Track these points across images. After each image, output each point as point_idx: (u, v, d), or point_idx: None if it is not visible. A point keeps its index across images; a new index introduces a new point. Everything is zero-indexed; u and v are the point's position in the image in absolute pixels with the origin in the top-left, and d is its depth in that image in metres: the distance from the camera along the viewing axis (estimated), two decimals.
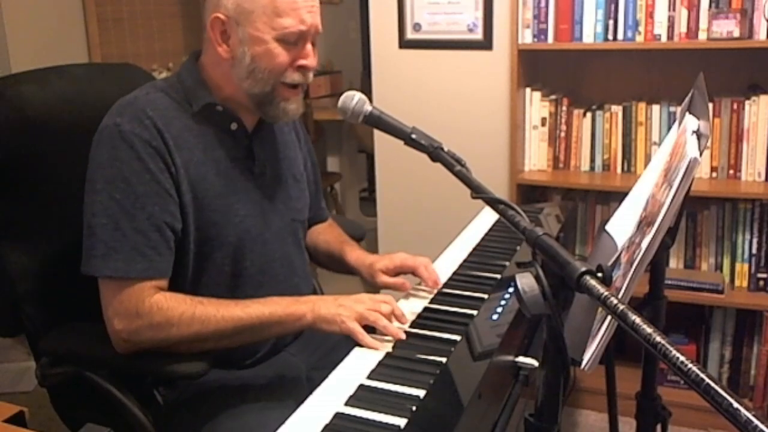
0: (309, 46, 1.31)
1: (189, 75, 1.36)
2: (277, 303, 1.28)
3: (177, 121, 1.30)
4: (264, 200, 1.41)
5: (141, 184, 1.23)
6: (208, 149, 1.32)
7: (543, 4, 2.36)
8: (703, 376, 0.59)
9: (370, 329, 1.27)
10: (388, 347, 1.23)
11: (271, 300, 1.29)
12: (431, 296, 1.46)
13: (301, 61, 1.30)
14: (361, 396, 1.07)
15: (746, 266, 2.34)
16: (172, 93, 1.33)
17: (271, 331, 1.29)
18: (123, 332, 1.23)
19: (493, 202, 0.99)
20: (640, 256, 1.00)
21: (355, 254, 1.60)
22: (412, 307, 1.39)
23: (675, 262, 2.43)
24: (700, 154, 1.07)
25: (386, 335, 1.26)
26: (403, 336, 1.26)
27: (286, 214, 1.46)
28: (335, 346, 1.46)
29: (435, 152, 1.13)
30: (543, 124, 2.49)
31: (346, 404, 1.05)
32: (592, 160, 2.48)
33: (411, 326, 1.31)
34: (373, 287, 1.59)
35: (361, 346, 1.24)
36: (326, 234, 1.69)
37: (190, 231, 1.30)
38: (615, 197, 2.42)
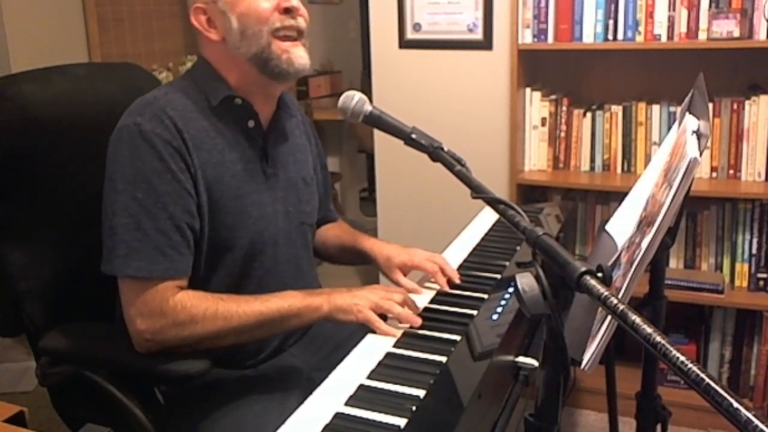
0: None
1: (202, 72, 1.36)
2: (294, 296, 1.30)
3: (195, 122, 1.30)
4: (276, 203, 1.41)
5: (163, 184, 1.23)
6: (224, 151, 1.32)
7: (543, 4, 2.35)
8: (703, 376, 0.59)
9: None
10: (394, 339, 1.24)
11: (287, 293, 1.31)
12: (432, 295, 1.46)
13: (283, 4, 1.30)
14: (361, 396, 1.07)
15: (746, 266, 2.34)
16: (190, 93, 1.33)
17: (290, 324, 1.31)
18: (147, 332, 1.23)
19: (493, 202, 0.99)
20: (640, 256, 1.00)
21: (371, 242, 1.61)
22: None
23: (675, 262, 2.43)
24: (700, 154, 1.07)
25: (401, 323, 1.29)
26: (419, 321, 1.30)
27: (296, 217, 1.47)
28: (337, 346, 1.46)
29: (435, 152, 1.13)
30: (543, 124, 2.49)
31: (346, 404, 1.05)
32: (592, 160, 2.48)
33: (411, 326, 1.31)
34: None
35: (374, 334, 1.26)
36: (336, 229, 1.70)
37: (204, 232, 1.30)
38: (615, 197, 2.42)
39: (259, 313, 1.26)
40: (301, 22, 1.34)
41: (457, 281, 1.50)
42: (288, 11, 1.31)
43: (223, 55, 1.34)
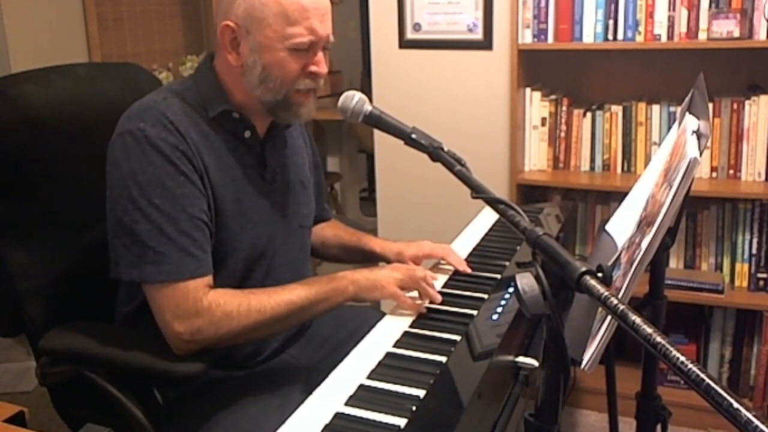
0: (320, 54, 1.30)
1: (205, 79, 1.35)
2: (319, 281, 1.33)
3: (194, 127, 1.29)
4: (274, 207, 1.42)
5: (178, 187, 1.23)
6: (223, 156, 1.32)
7: (543, 4, 2.35)
8: (703, 376, 0.59)
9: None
10: (394, 339, 1.24)
11: (311, 280, 1.35)
12: (446, 280, 1.51)
13: (312, 68, 1.29)
14: (361, 396, 1.07)
15: (746, 266, 2.33)
16: (188, 98, 1.32)
17: (319, 308, 1.33)
18: (185, 334, 1.23)
19: (493, 202, 0.99)
20: (640, 256, 1.00)
21: (379, 242, 1.64)
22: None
23: (675, 262, 2.43)
24: (700, 154, 1.07)
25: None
26: (440, 298, 1.38)
27: (294, 220, 1.47)
28: (336, 347, 1.47)
29: (435, 152, 1.13)
30: (543, 124, 2.49)
31: (346, 404, 1.05)
32: (592, 160, 2.47)
33: (411, 326, 1.31)
34: None
35: (374, 334, 1.26)
36: (334, 228, 1.71)
37: (211, 233, 1.30)
38: (615, 197, 2.42)
39: (290, 302, 1.28)
40: (321, 83, 1.33)
41: (467, 270, 1.53)
42: (313, 74, 1.30)
43: (235, 78, 1.32)
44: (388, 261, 1.59)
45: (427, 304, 1.38)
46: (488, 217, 1.94)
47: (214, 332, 1.23)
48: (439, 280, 1.51)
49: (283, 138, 1.48)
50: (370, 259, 1.63)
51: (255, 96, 1.31)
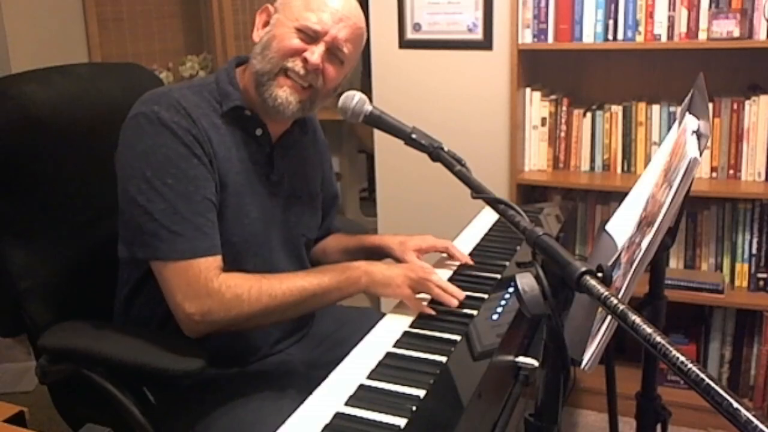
0: (321, 47, 1.31)
1: (225, 77, 1.38)
2: (333, 269, 1.34)
3: (205, 118, 1.31)
4: (276, 209, 1.42)
5: (191, 168, 1.25)
6: (231, 148, 1.34)
7: (543, 4, 2.35)
8: (703, 376, 0.59)
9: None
10: (394, 339, 1.23)
11: (324, 268, 1.35)
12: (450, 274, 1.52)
13: (306, 54, 1.31)
14: (361, 396, 1.07)
15: (746, 266, 2.33)
16: (204, 92, 1.35)
17: (330, 297, 1.33)
18: (196, 314, 1.23)
19: (493, 202, 0.99)
20: (640, 256, 1.00)
21: (379, 237, 1.66)
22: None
23: (675, 262, 2.43)
24: (700, 154, 1.07)
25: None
26: (455, 303, 1.35)
27: (296, 228, 1.48)
28: (335, 345, 1.47)
29: (435, 152, 1.13)
30: (543, 124, 2.49)
31: (346, 404, 1.05)
32: (592, 160, 2.48)
33: (411, 326, 1.31)
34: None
35: (375, 333, 1.27)
36: (335, 237, 1.73)
37: None
38: (615, 197, 2.42)
39: (302, 288, 1.28)
40: (315, 79, 1.33)
41: (470, 263, 1.55)
42: (305, 60, 1.31)
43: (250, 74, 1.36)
44: (392, 252, 1.59)
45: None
46: (488, 217, 1.94)
47: (224, 314, 1.24)
48: (444, 276, 1.50)
49: (299, 147, 1.49)
50: (373, 254, 1.63)
51: (253, 67, 1.33)
